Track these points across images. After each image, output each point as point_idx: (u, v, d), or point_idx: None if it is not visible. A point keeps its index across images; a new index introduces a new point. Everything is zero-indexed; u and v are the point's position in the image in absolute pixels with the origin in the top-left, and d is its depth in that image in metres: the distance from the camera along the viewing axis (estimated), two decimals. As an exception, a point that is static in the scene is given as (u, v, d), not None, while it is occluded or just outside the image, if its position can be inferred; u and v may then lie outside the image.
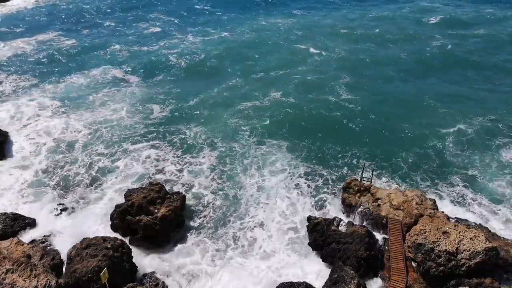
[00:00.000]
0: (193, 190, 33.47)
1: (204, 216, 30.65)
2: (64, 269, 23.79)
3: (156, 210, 28.25)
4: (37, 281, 20.95)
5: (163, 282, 24.12)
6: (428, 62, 59.56)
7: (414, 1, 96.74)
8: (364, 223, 28.89)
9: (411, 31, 74.13)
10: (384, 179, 34.67)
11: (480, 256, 23.16)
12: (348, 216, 30.37)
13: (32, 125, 42.98)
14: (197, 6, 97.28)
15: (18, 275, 21.09)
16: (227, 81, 54.34)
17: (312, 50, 65.68)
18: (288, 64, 59.66)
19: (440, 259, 23.65)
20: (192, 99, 49.11)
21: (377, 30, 74.65)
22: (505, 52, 62.23)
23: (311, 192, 33.11)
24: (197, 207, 31.57)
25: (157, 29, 78.46)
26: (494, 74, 54.68)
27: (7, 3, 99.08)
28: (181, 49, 66.14)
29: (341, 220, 29.41)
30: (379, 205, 29.41)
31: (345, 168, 36.15)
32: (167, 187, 32.14)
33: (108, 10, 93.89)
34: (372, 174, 32.26)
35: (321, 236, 26.53)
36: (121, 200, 29.89)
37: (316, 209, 31.40)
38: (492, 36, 69.18)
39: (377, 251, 26.23)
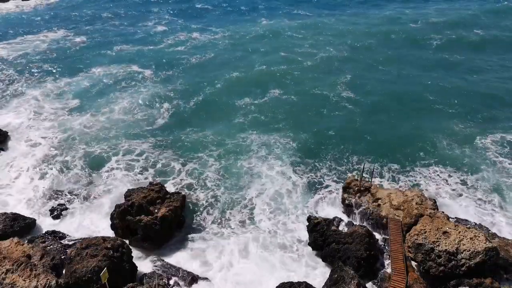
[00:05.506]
0: (194, 189, 33.44)
1: (205, 216, 30.60)
2: (64, 269, 23.76)
3: (156, 210, 28.22)
4: (37, 281, 20.95)
5: (163, 282, 24.08)
6: (429, 63, 59.84)
7: (415, 1, 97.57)
8: (364, 223, 28.90)
9: (413, 31, 74.49)
10: (384, 179, 34.64)
11: (480, 256, 23.13)
12: (348, 216, 30.36)
13: (36, 123, 43.28)
14: (200, 6, 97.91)
15: (18, 275, 21.10)
16: (230, 78, 54.85)
17: (313, 48, 66.03)
18: (290, 62, 60.17)
19: (440, 259, 23.64)
20: (195, 96, 49.45)
21: (379, 31, 74.97)
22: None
23: (311, 192, 33.07)
24: (197, 207, 31.51)
25: (163, 28, 79.83)
26: (493, 76, 55.03)
27: (8, 3, 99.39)
28: (187, 47, 67.42)
29: (341, 220, 29.43)
30: (379, 205, 29.41)
31: (345, 167, 36.15)
32: (167, 187, 32.16)
33: (110, 8, 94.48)
34: (372, 174, 32.25)
35: (321, 236, 26.50)
36: (121, 200, 29.89)
37: (316, 208, 31.36)
38: (489, 36, 69.93)
39: (377, 251, 26.25)
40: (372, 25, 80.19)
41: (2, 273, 20.94)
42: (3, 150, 37.98)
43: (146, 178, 34.49)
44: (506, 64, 59.17)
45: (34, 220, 28.98)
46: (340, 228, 28.01)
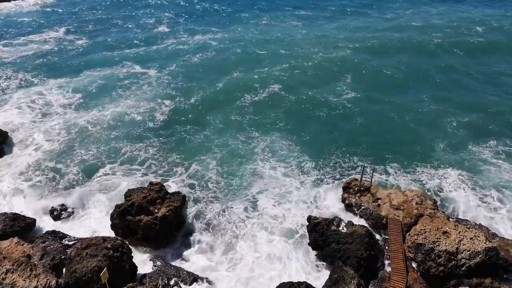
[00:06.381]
0: (194, 189, 33.43)
1: (204, 216, 30.58)
2: (64, 269, 23.79)
3: (156, 210, 28.23)
4: (37, 281, 20.95)
5: (164, 282, 24.09)
6: (430, 66, 60.02)
7: (415, 4, 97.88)
8: (364, 223, 28.88)
9: (414, 34, 74.61)
10: (384, 179, 34.64)
11: (480, 256, 23.15)
12: (348, 216, 30.30)
13: (37, 123, 43.24)
14: (200, 6, 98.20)
15: (18, 275, 21.10)
16: (231, 78, 55.05)
17: (314, 49, 66.08)
18: (291, 62, 60.31)
19: (440, 259, 23.64)
20: (197, 96, 49.48)
21: (380, 33, 75.10)
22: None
23: (311, 192, 33.02)
24: (197, 207, 31.48)
25: (164, 28, 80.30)
26: (492, 79, 55.37)
27: (9, 2, 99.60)
28: (188, 47, 67.53)
29: (341, 220, 29.41)
30: (379, 205, 29.41)
31: (345, 167, 36.16)
32: (168, 187, 32.16)
33: (111, 8, 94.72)
34: (372, 174, 32.23)
35: (321, 236, 26.52)
36: (121, 200, 29.90)
37: (315, 208, 31.34)
38: (490, 41, 70.09)
39: (377, 251, 26.24)
40: (373, 26, 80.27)
41: (2, 273, 20.95)
42: (3, 150, 37.97)
43: (145, 176, 34.53)
44: (506, 68, 59.28)
45: (34, 220, 28.96)
46: (340, 228, 27.99)
